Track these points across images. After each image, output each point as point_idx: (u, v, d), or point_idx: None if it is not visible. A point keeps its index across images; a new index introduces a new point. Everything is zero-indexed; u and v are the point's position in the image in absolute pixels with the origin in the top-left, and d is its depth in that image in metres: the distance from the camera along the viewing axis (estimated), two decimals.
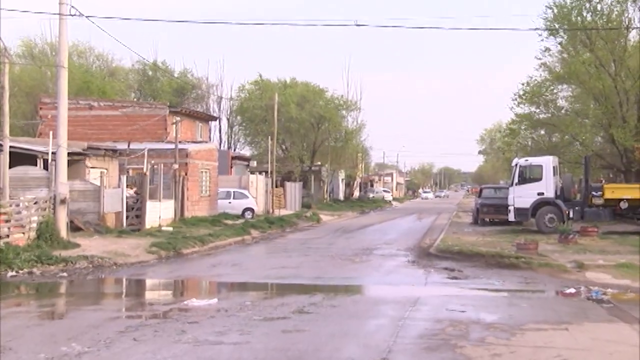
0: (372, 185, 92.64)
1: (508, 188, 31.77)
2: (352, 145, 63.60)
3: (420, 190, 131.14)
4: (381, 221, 43.62)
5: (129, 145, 32.06)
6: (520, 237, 24.45)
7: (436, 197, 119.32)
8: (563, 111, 38.22)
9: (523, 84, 37.56)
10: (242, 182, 42.65)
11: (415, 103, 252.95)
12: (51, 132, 23.57)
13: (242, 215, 37.89)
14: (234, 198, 39.59)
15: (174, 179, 31.29)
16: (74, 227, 23.13)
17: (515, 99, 37.68)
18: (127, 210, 26.60)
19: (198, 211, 34.34)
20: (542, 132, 41.33)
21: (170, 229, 27.53)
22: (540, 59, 36.62)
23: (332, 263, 20.06)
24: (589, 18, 33.65)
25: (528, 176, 29.37)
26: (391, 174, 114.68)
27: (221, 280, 17.00)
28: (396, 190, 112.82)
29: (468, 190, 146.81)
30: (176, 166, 31.84)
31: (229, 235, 27.50)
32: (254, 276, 17.27)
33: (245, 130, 62.93)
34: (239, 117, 63.76)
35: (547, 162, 29.45)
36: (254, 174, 46.40)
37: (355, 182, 76.99)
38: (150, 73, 63.17)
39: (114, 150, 30.38)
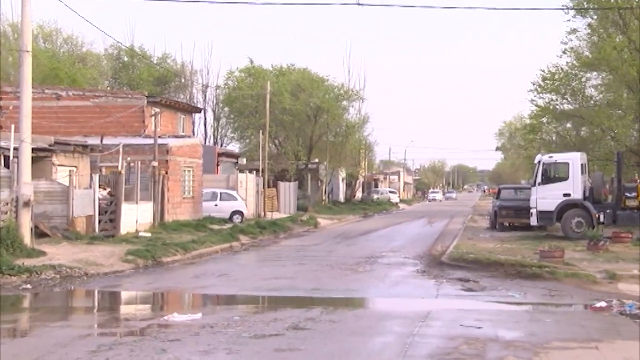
0: (376, 186, 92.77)
1: (530, 188, 31.80)
2: (354, 140, 63.59)
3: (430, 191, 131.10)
4: (387, 226, 43.69)
5: (101, 140, 32.04)
6: (544, 243, 24.48)
7: (446, 198, 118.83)
8: (592, 102, 38.20)
9: (543, 71, 37.61)
10: (230, 181, 42.68)
11: (425, 94, 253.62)
12: (13, 126, 23.52)
13: (230, 219, 37.94)
14: (220, 200, 39.63)
15: (153, 179, 31.29)
16: (39, 233, 23.09)
17: (536, 88, 37.66)
18: (99, 214, 26.61)
19: (180, 215, 34.37)
20: (569, 125, 41.31)
21: (149, 234, 27.55)
22: (565, 43, 36.64)
23: (332, 273, 20.08)
24: None
25: (553, 175, 29.41)
26: (398, 173, 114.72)
27: (206, 293, 17.03)
28: (404, 190, 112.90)
29: (485, 191, 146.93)
30: (155, 164, 31.84)
31: (215, 242, 27.53)
32: (244, 288, 17.31)
33: (234, 123, 62.79)
34: (226, 109, 63.64)
35: (575, 159, 29.47)
36: (243, 172, 46.44)
37: (358, 182, 77.00)
38: (126, 59, 63.15)
39: (85, 146, 30.37)
